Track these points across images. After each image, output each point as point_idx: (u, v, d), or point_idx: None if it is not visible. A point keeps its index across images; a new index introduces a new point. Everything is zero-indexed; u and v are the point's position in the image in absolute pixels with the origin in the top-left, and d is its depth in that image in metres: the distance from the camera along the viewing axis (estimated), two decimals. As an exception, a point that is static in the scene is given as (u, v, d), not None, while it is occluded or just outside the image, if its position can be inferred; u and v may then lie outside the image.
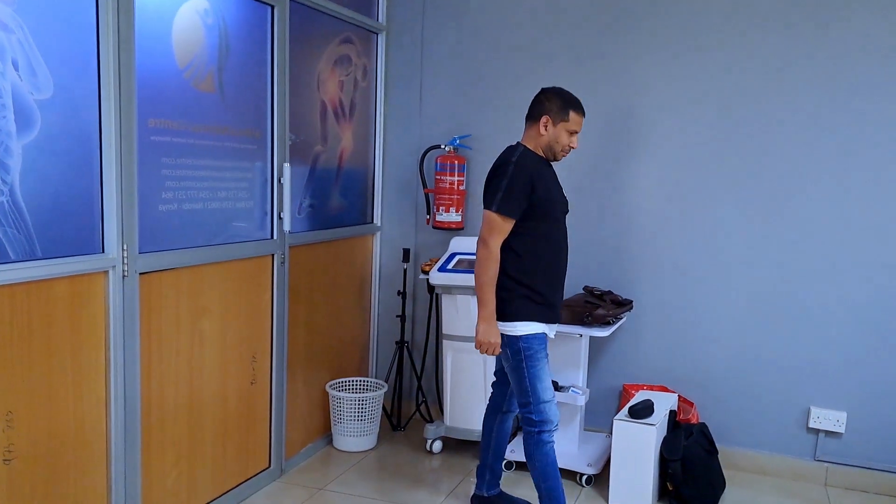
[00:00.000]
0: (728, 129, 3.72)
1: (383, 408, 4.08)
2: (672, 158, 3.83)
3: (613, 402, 4.02)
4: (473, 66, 4.16)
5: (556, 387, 3.65)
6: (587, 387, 3.80)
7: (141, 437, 2.73)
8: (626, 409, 3.44)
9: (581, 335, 3.61)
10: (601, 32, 3.90)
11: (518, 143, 2.95)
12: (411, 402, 4.29)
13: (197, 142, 2.94)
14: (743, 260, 3.73)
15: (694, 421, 3.75)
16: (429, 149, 4.16)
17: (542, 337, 2.90)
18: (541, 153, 2.92)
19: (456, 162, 4.08)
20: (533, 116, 2.91)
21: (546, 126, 2.87)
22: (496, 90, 4.13)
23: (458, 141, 4.11)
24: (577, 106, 2.89)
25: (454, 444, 3.95)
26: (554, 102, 2.86)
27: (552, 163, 2.98)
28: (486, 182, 2.88)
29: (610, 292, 3.79)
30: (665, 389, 3.86)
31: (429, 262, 4.03)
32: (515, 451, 3.70)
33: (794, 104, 3.60)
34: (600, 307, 3.62)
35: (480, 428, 3.79)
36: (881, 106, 3.46)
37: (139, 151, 2.64)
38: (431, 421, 4.08)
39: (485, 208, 2.82)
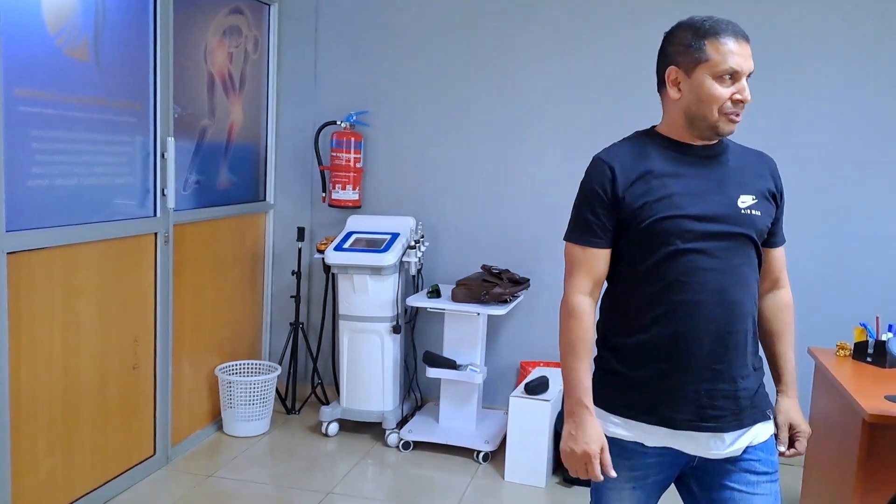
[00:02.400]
0: (621, 110, 3.79)
1: (277, 391, 3.97)
2: (568, 137, 3.88)
3: (511, 379, 4.06)
4: (372, 40, 4.07)
5: (454, 365, 3.65)
6: (485, 365, 3.81)
7: (10, 426, 2.54)
8: (522, 386, 3.48)
9: (478, 313, 3.61)
10: (499, 10, 3.89)
11: (638, 131, 1.82)
12: (307, 384, 4.20)
13: (71, 113, 2.76)
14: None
15: None
16: (324, 125, 4.05)
17: (625, 448, 1.70)
18: (681, 133, 1.70)
19: (353, 139, 3.99)
20: (661, 81, 1.72)
21: (678, 83, 1.66)
22: (396, 66, 4.05)
23: (354, 117, 4.02)
24: (721, 29, 1.61)
25: (351, 426, 3.90)
26: (680, 41, 1.65)
27: (713, 142, 1.71)
28: None
29: (507, 271, 3.80)
30: (560, 365, 3.92)
31: (324, 241, 3.93)
32: (414, 430, 3.68)
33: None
34: (497, 285, 3.63)
35: (377, 409, 3.77)
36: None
37: (4, 123, 2.45)
38: (327, 403, 4.00)
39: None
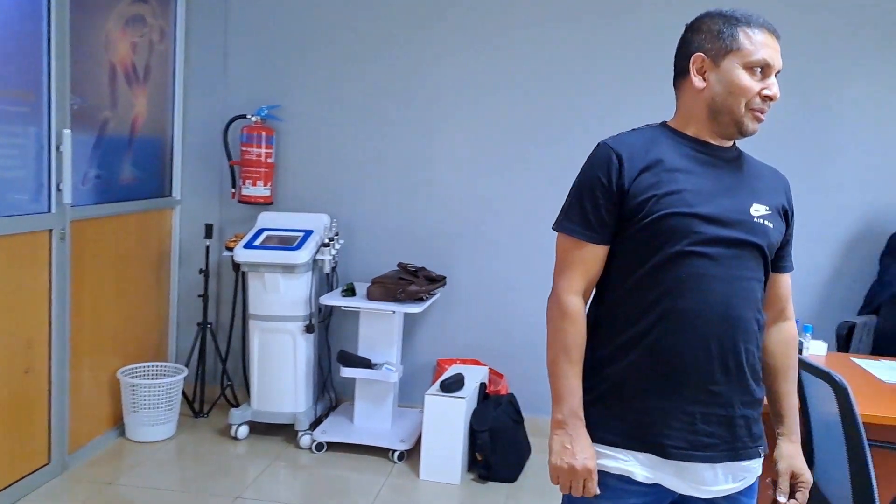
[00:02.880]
0: (534, 108, 3.81)
1: (184, 394, 3.83)
2: (482, 134, 3.88)
3: (428, 377, 4.03)
4: (285, 33, 3.97)
5: (369, 364, 3.60)
6: (401, 363, 3.78)
7: None
8: (437, 384, 3.46)
9: (394, 312, 3.57)
10: (413, 6, 3.86)
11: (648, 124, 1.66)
12: (216, 386, 4.06)
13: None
14: (548, 234, 3.85)
15: (503, 392, 3.84)
16: (234, 118, 3.93)
17: (607, 485, 1.53)
18: (699, 129, 1.56)
19: (264, 133, 3.88)
20: (680, 69, 1.58)
21: (703, 72, 1.53)
22: (309, 59, 3.97)
23: (266, 111, 3.91)
24: (753, 19, 1.52)
25: (262, 429, 3.79)
26: (709, 28, 1.53)
27: (729, 144, 1.60)
28: None
29: (423, 268, 3.78)
30: (477, 363, 3.93)
31: (234, 239, 3.81)
32: (327, 431, 3.61)
33: (596, 89, 3.76)
34: (413, 283, 3.60)
35: (289, 410, 3.68)
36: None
37: None
38: (237, 405, 3.88)
39: None
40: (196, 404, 3.95)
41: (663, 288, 1.46)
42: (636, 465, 1.49)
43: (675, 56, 1.59)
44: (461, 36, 3.85)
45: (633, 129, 1.60)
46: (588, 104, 3.77)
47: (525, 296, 3.91)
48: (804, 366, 1.95)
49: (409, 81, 3.90)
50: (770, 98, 1.48)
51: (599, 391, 1.53)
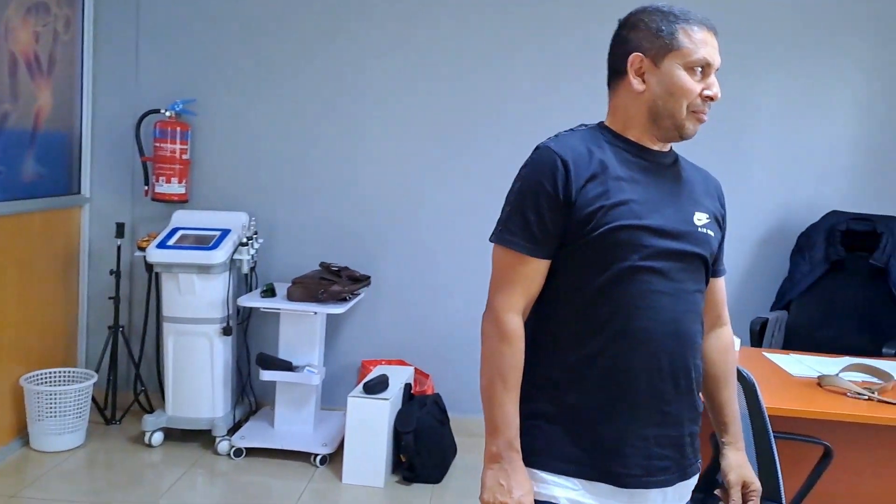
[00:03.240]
0: (457, 106, 3.80)
1: (94, 400, 3.67)
2: (405, 132, 3.85)
3: (352, 378, 3.97)
4: (200, 24, 3.85)
5: (290, 367, 3.52)
6: (324, 365, 3.70)
7: None
8: (360, 386, 3.41)
9: (315, 313, 3.50)
10: (335, 1, 3.79)
11: (555, 137, 1.51)
12: (129, 392, 3.90)
13: None
14: (475, 233, 3.84)
15: (429, 392, 3.81)
16: (146, 113, 3.79)
17: None
18: (639, 133, 1.47)
19: (178, 128, 3.75)
20: (616, 69, 1.48)
21: (642, 73, 1.43)
22: (226, 52, 3.86)
23: (181, 106, 3.78)
24: (692, 16, 1.44)
25: (177, 435, 3.66)
26: (647, 26, 1.44)
27: (667, 148, 1.51)
28: None
29: (346, 268, 3.72)
30: (403, 363, 3.89)
31: (147, 238, 3.67)
32: (246, 437, 3.52)
33: (524, 88, 3.77)
34: (336, 283, 3.54)
35: (206, 416, 3.56)
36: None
37: None
38: (151, 412, 3.74)
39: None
40: (108, 411, 3.79)
41: (614, 306, 1.38)
42: (585, 495, 1.39)
43: (610, 54, 1.49)
44: (386, 31, 3.81)
45: (572, 130, 1.49)
46: (515, 103, 3.78)
47: (452, 295, 3.89)
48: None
49: (332, 76, 3.84)
50: (711, 98, 1.41)
51: (548, 415, 1.41)
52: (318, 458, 3.47)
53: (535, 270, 1.41)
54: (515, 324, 1.40)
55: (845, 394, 2.29)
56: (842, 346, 3.18)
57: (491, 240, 1.44)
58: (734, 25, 3.68)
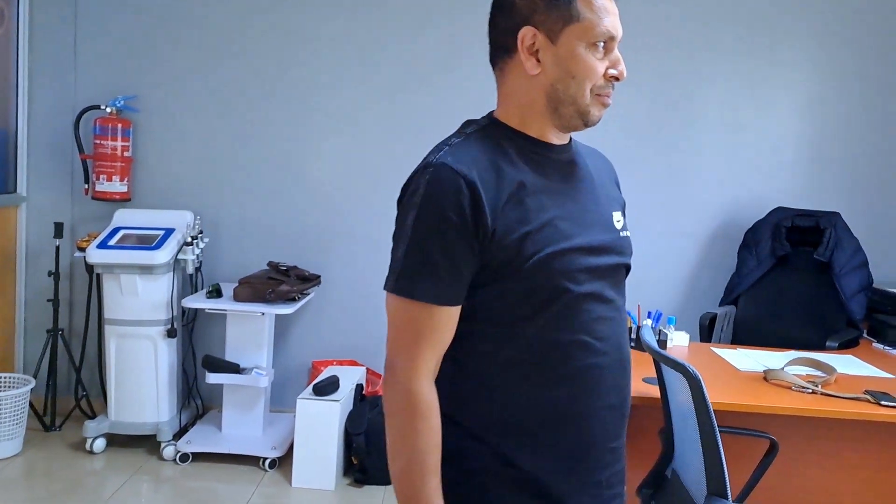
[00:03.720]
0: (401, 101, 3.76)
1: (32, 407, 3.54)
2: (350, 128, 3.79)
3: (303, 380, 3.90)
4: (140, 18, 3.74)
5: (237, 369, 3.44)
6: (273, 367, 3.63)
7: None
8: (310, 388, 3.35)
9: (263, 313, 3.43)
10: (281, -6, 3.73)
11: (471, 121, 1.28)
12: (69, 397, 3.77)
13: None
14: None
15: (381, 392, 3.76)
16: (86, 109, 3.67)
17: None
18: (537, 125, 1.23)
19: (120, 125, 3.64)
20: (502, 45, 1.22)
21: (534, 49, 1.18)
22: (168, 46, 3.76)
23: (122, 102, 3.67)
24: None
25: (121, 441, 3.56)
26: None
27: (574, 133, 1.29)
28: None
29: (295, 267, 3.65)
30: (355, 363, 3.84)
31: (87, 238, 3.55)
32: (193, 441, 3.43)
33: (468, 85, 3.74)
34: (284, 283, 3.47)
35: (151, 420, 3.46)
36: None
37: None
38: (93, 417, 3.62)
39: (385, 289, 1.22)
40: (47, 418, 3.66)
41: (561, 351, 1.17)
42: None
43: (492, 26, 1.22)
44: (330, 25, 3.75)
45: (463, 136, 1.21)
46: (461, 99, 3.75)
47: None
48: (664, 359, 1.98)
49: (277, 71, 3.77)
50: (616, 79, 1.19)
51: (490, 472, 1.18)
52: (268, 461, 3.40)
53: (446, 321, 1.15)
54: (428, 393, 1.14)
55: (790, 387, 2.32)
56: (788, 340, 3.23)
57: (386, 289, 1.17)
58: (680, 25, 3.71)
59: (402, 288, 1.15)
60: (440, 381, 1.18)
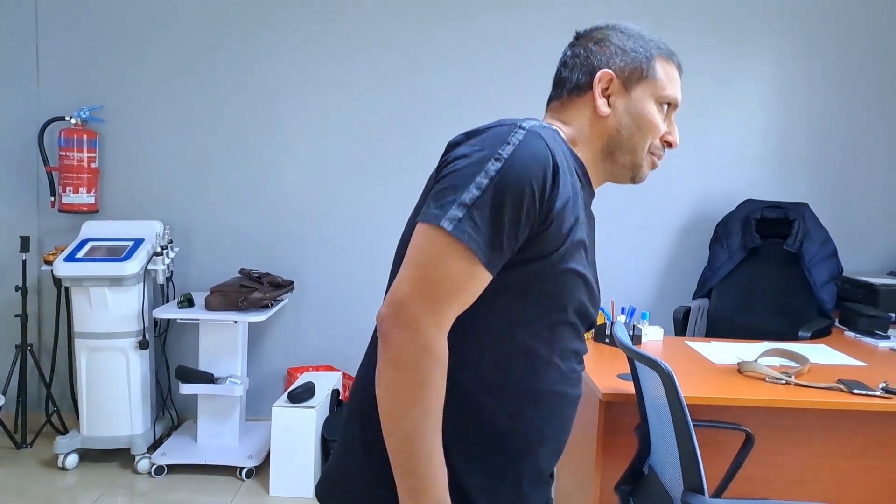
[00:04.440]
0: (383, 108, 3.74)
1: (2, 424, 3.47)
2: (322, 133, 3.76)
3: (279, 387, 3.87)
4: (105, 28, 3.69)
5: (212, 379, 3.40)
6: (248, 375, 3.59)
7: None
8: (285, 395, 3.31)
9: (236, 321, 3.39)
10: (246, 1, 3.69)
11: (532, 121, 1.15)
12: (40, 413, 3.71)
13: None
14: (398, 234, 3.79)
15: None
16: (50, 120, 3.61)
17: None
18: (589, 163, 1.24)
19: (85, 136, 3.59)
20: (578, 85, 1.24)
21: (608, 94, 1.22)
22: (134, 55, 3.71)
23: (87, 112, 3.62)
24: (671, 50, 1.26)
25: (94, 456, 3.50)
26: (621, 42, 1.23)
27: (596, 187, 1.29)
28: (438, 175, 1.12)
29: (268, 274, 3.61)
30: (331, 369, 3.81)
31: (54, 251, 3.49)
32: (168, 453, 3.38)
33: (443, 89, 3.73)
34: (257, 290, 3.43)
35: (125, 434, 3.41)
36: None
37: None
38: (65, 433, 3.56)
39: (421, 221, 1.07)
40: (17, 435, 3.59)
41: (558, 367, 1.16)
42: None
43: (567, 67, 1.25)
44: (300, 29, 3.72)
45: (543, 126, 1.14)
46: (435, 105, 3.73)
47: (379, 296, 3.83)
48: (636, 356, 1.98)
49: (243, 78, 3.73)
50: (670, 145, 1.24)
51: (501, 464, 1.14)
52: (244, 471, 3.36)
53: (479, 289, 1.06)
54: (444, 349, 1.05)
55: (764, 379, 2.33)
56: (761, 332, 3.25)
57: (435, 223, 1.03)
58: (646, 19, 3.73)
59: (464, 231, 1.02)
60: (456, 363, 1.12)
